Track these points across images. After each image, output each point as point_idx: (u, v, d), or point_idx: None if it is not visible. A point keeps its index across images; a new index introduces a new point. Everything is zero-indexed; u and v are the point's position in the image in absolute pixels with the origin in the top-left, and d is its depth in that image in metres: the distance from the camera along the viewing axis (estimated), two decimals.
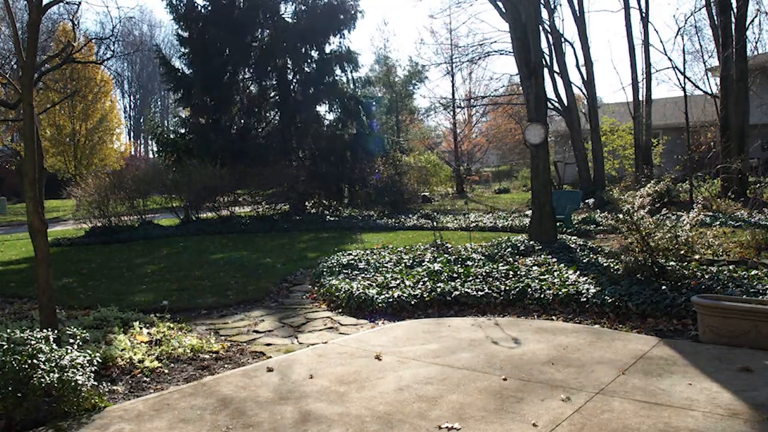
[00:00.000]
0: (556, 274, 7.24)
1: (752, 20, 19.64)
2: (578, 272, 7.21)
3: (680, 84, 36.48)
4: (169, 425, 3.64)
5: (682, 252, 6.72)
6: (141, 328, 5.71)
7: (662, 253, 6.67)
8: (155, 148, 22.98)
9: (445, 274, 7.41)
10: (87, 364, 3.93)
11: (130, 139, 63.49)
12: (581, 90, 23.02)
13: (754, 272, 6.47)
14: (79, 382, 3.76)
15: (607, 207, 16.10)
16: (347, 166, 21.33)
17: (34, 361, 3.68)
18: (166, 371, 4.78)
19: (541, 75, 10.41)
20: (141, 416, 3.79)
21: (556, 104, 22.10)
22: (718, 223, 11.28)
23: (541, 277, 7.12)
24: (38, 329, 4.57)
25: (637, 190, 7.59)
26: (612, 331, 5.43)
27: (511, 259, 8.54)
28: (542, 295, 6.47)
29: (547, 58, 21.43)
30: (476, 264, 8.16)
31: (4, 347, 3.76)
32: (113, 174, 23.95)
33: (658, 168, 23.09)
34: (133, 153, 52.51)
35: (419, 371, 4.47)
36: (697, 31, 44.84)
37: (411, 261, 8.58)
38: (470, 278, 7.19)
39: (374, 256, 8.97)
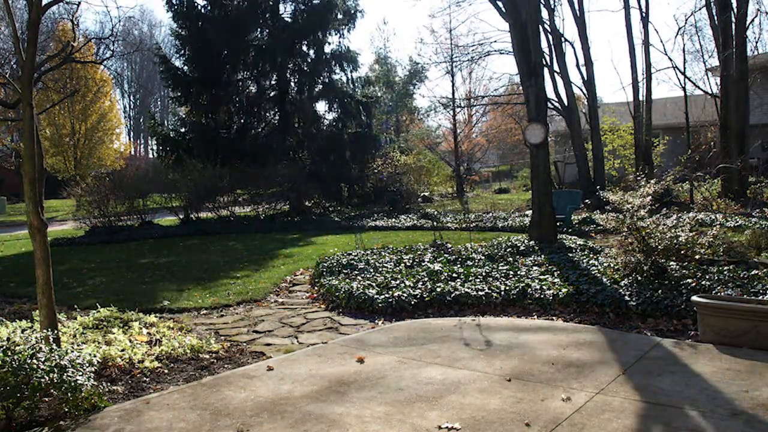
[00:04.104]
0: (556, 274, 7.24)
1: (752, 20, 19.66)
2: (578, 272, 7.20)
3: (680, 84, 36.57)
4: (169, 425, 3.64)
5: (682, 252, 6.71)
6: (141, 328, 5.71)
7: (662, 253, 6.66)
8: (155, 148, 22.99)
9: (445, 274, 7.41)
10: (87, 364, 3.93)
11: (130, 139, 63.55)
12: (581, 90, 23.01)
13: (754, 272, 6.47)
14: (79, 382, 3.75)
15: (606, 207, 16.08)
16: (347, 166, 21.34)
17: (34, 361, 3.67)
18: (166, 371, 4.77)
19: (541, 75, 10.41)
20: (140, 416, 3.79)
21: (556, 104, 22.08)
22: (717, 224, 11.28)
23: (541, 277, 7.12)
24: (38, 329, 4.57)
25: (637, 190, 7.56)
26: (612, 331, 5.42)
27: (511, 259, 8.54)
28: (542, 295, 6.46)
29: (547, 58, 21.41)
30: (476, 264, 8.16)
31: (4, 347, 3.76)
32: (113, 174, 23.96)
33: (658, 168, 23.08)
34: (133, 153, 52.53)
35: (419, 371, 4.47)
36: (697, 30, 44.85)
37: (411, 261, 8.58)
38: (470, 278, 7.19)
39: (374, 256, 8.96)
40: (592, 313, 6.06)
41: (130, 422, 3.70)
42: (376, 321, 6.24)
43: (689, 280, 6.24)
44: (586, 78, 21.87)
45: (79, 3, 6.63)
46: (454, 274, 7.41)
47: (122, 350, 4.95)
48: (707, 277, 6.35)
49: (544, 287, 6.64)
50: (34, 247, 4.60)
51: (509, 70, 67.21)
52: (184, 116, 22.50)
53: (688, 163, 17.85)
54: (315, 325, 6.24)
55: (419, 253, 9.20)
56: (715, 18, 18.52)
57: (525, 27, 10.47)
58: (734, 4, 17.69)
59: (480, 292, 6.63)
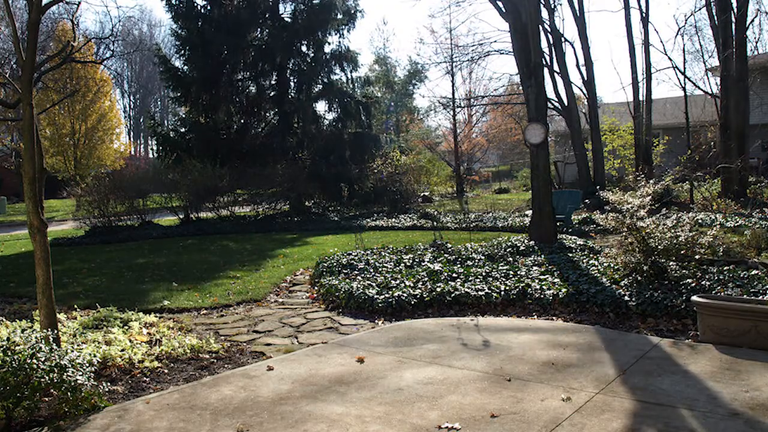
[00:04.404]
0: (556, 274, 7.24)
1: (752, 20, 19.68)
2: (578, 272, 7.20)
3: (680, 84, 36.61)
4: (169, 425, 3.64)
5: (682, 252, 6.72)
6: (141, 328, 5.71)
7: (662, 253, 6.67)
8: (155, 148, 22.99)
9: (445, 274, 7.41)
10: (87, 364, 3.93)
11: (130, 138, 63.56)
12: (581, 90, 23.03)
13: (754, 272, 6.47)
14: (79, 382, 3.75)
15: (606, 207, 16.08)
16: (346, 166, 21.34)
17: (34, 361, 3.67)
18: (166, 371, 4.77)
19: (541, 75, 10.40)
20: (141, 416, 3.79)
21: (556, 104, 22.09)
22: (717, 224, 11.28)
23: (541, 277, 7.12)
24: (38, 329, 4.57)
25: (636, 191, 7.57)
26: (612, 331, 5.42)
27: (511, 259, 8.54)
28: (542, 295, 6.46)
29: (547, 58, 21.42)
30: (476, 264, 8.16)
31: (4, 347, 3.76)
32: (113, 174, 23.96)
33: (658, 168, 23.09)
34: (132, 153, 52.53)
35: (419, 371, 4.47)
36: (697, 30, 44.94)
37: (411, 261, 8.58)
38: (470, 278, 7.19)
39: (374, 256, 8.96)
40: (592, 313, 6.07)
41: (130, 422, 3.70)
42: (376, 321, 6.23)
43: (689, 280, 6.24)
44: (586, 78, 21.88)
45: (79, 3, 6.63)
46: (454, 274, 7.41)
47: (122, 350, 4.95)
48: (707, 277, 6.35)
49: (544, 287, 6.64)
50: (33, 247, 4.60)
51: (509, 70, 67.27)
52: (184, 116, 22.49)
53: (688, 163, 17.86)
54: (315, 325, 6.24)
55: (419, 253, 9.20)
56: (715, 18, 18.51)
57: (525, 27, 10.46)
58: (734, 5, 17.68)
59: (480, 292, 6.63)
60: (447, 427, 3.47)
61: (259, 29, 21.68)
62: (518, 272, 7.43)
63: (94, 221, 16.04)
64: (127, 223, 16.55)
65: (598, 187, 20.12)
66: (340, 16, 21.46)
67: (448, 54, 30.63)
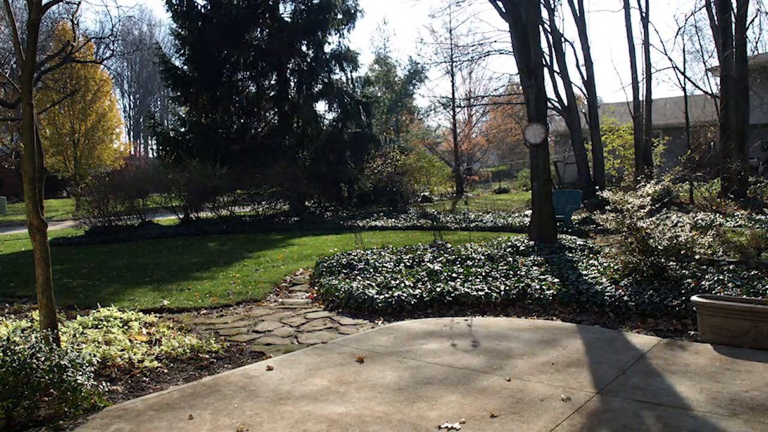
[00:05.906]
0: (555, 273, 7.24)
1: (752, 20, 19.65)
2: (578, 272, 7.21)
3: (680, 84, 36.64)
4: (169, 425, 3.64)
5: (682, 252, 6.71)
6: (140, 327, 5.71)
7: (662, 253, 6.67)
8: (155, 147, 22.99)
9: (445, 274, 7.41)
10: (86, 364, 3.93)
11: (129, 138, 63.52)
12: (581, 90, 23.01)
13: (754, 272, 6.47)
14: (79, 381, 3.75)
15: (606, 207, 16.07)
16: (346, 166, 21.35)
17: (34, 360, 3.67)
18: (166, 371, 4.77)
19: (541, 75, 10.40)
20: (140, 416, 3.79)
21: (556, 104, 22.08)
22: (717, 224, 11.28)
23: (541, 276, 7.12)
24: (38, 329, 4.57)
25: (636, 191, 7.57)
26: (612, 331, 5.42)
27: (510, 259, 8.54)
28: (542, 295, 6.46)
29: (547, 58, 21.41)
30: (476, 264, 8.16)
31: (4, 347, 3.76)
32: (113, 173, 23.96)
33: (658, 168, 23.08)
34: (132, 153, 52.52)
35: (419, 371, 4.47)
36: (698, 31, 44.94)
37: (411, 261, 8.58)
38: (470, 278, 7.19)
39: (374, 256, 8.96)
40: (592, 313, 6.07)
41: (129, 422, 3.70)
42: (376, 321, 6.24)
43: (689, 280, 6.24)
44: (586, 78, 21.87)
45: (79, 3, 6.63)
46: (454, 274, 7.41)
47: (122, 350, 4.95)
48: (707, 277, 6.35)
49: (543, 287, 6.64)
50: (33, 247, 4.59)
51: (509, 70, 67.28)
52: (183, 116, 22.48)
53: (688, 163, 17.85)
54: (315, 325, 6.24)
55: (419, 252, 9.20)
56: (715, 18, 18.51)
57: (525, 27, 10.46)
58: (734, 5, 17.69)
59: (480, 292, 6.63)
60: (447, 427, 3.47)
61: (258, 29, 21.68)
62: (518, 272, 7.43)
63: (93, 221, 16.05)
64: (127, 223, 16.55)
65: (597, 187, 20.08)
66: (339, 16, 21.45)
67: (448, 54, 30.65)
